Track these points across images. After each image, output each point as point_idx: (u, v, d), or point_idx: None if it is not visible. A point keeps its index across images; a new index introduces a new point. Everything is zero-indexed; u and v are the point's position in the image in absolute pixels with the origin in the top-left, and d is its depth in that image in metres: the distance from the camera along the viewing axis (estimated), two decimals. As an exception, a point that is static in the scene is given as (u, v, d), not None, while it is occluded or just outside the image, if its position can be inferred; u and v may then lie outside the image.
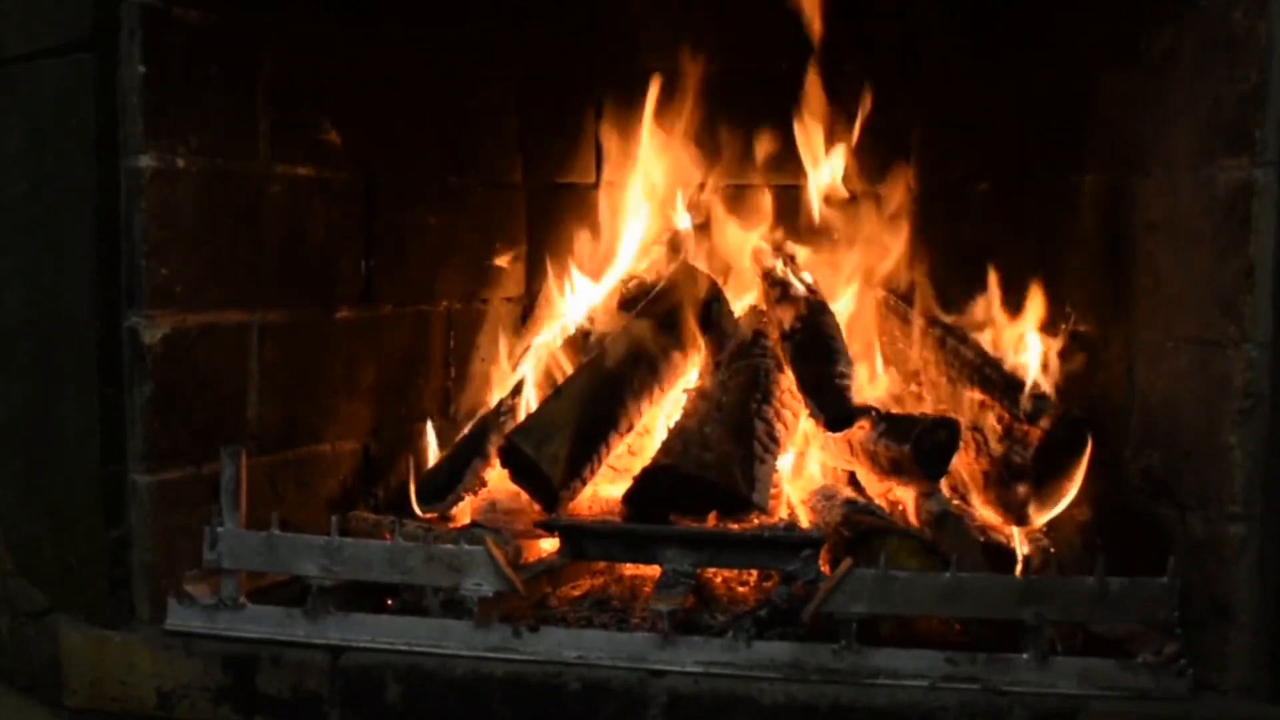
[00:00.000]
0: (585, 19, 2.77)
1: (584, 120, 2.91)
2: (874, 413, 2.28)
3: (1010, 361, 2.29)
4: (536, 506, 2.26)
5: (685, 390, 2.47)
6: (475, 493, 2.34)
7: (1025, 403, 2.18)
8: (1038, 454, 2.15)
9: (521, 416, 2.38)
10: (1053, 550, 2.13)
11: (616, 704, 1.78)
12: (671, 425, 2.35)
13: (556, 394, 2.36)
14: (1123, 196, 2.05)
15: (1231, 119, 1.75)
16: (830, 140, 2.66)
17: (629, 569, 2.16)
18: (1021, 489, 2.16)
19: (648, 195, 2.80)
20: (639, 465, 2.29)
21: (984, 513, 2.27)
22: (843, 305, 2.63)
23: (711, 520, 2.14)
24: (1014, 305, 2.34)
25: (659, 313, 2.49)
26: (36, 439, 2.10)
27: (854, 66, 2.63)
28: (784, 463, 2.41)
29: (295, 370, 2.23)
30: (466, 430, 2.48)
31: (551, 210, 2.88)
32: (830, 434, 2.34)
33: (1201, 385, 1.81)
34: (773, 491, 2.27)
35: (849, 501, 2.22)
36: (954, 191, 2.71)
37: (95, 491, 1.97)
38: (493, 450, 2.32)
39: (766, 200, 2.80)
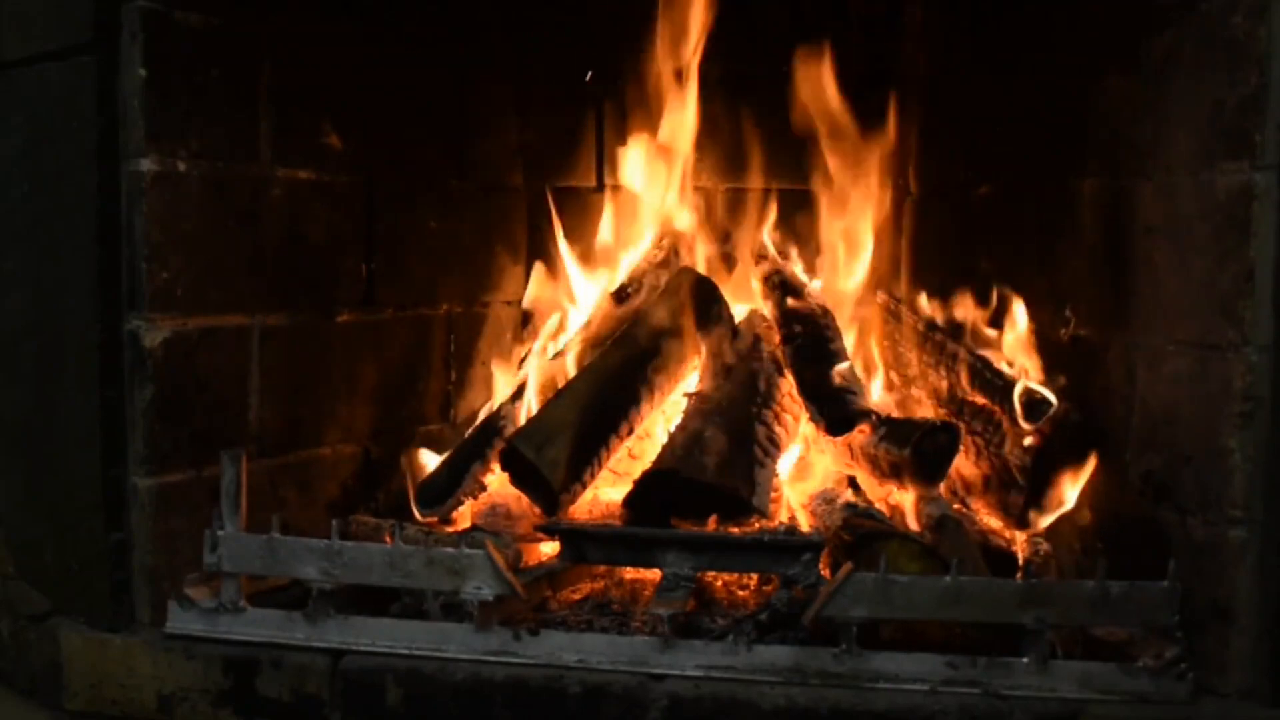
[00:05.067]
0: (586, 22, 2.78)
1: (584, 123, 2.91)
2: (874, 417, 2.28)
3: (1010, 365, 2.29)
4: (537, 510, 2.26)
5: (685, 394, 2.47)
6: (475, 497, 2.34)
7: (1025, 406, 2.18)
8: (1038, 458, 2.15)
9: (522, 420, 2.38)
10: (1053, 554, 2.13)
11: (617, 707, 1.78)
12: (672, 429, 2.35)
13: (557, 398, 2.36)
14: (1123, 200, 2.05)
15: (1231, 122, 1.75)
16: (832, 143, 2.66)
17: (629, 572, 2.16)
18: (1021, 493, 2.16)
19: (647, 198, 2.80)
20: (639, 469, 2.29)
21: (984, 516, 2.27)
22: (843, 309, 2.63)
23: (712, 524, 2.14)
24: (1014, 309, 2.35)
25: (659, 316, 2.49)
26: (38, 441, 2.10)
27: (856, 69, 2.63)
28: (784, 466, 2.41)
29: (296, 373, 2.23)
30: (467, 434, 2.48)
31: (552, 213, 2.88)
32: (831, 438, 2.34)
33: (1202, 389, 1.81)
34: (773, 495, 2.27)
35: (849, 505, 2.22)
36: (954, 194, 2.72)
37: (96, 494, 1.98)
38: (493, 454, 2.32)
39: (767, 203, 2.81)
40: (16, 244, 2.11)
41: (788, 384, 2.38)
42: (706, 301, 2.55)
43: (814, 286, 2.60)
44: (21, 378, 2.12)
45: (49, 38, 2.01)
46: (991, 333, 2.39)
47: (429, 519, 2.28)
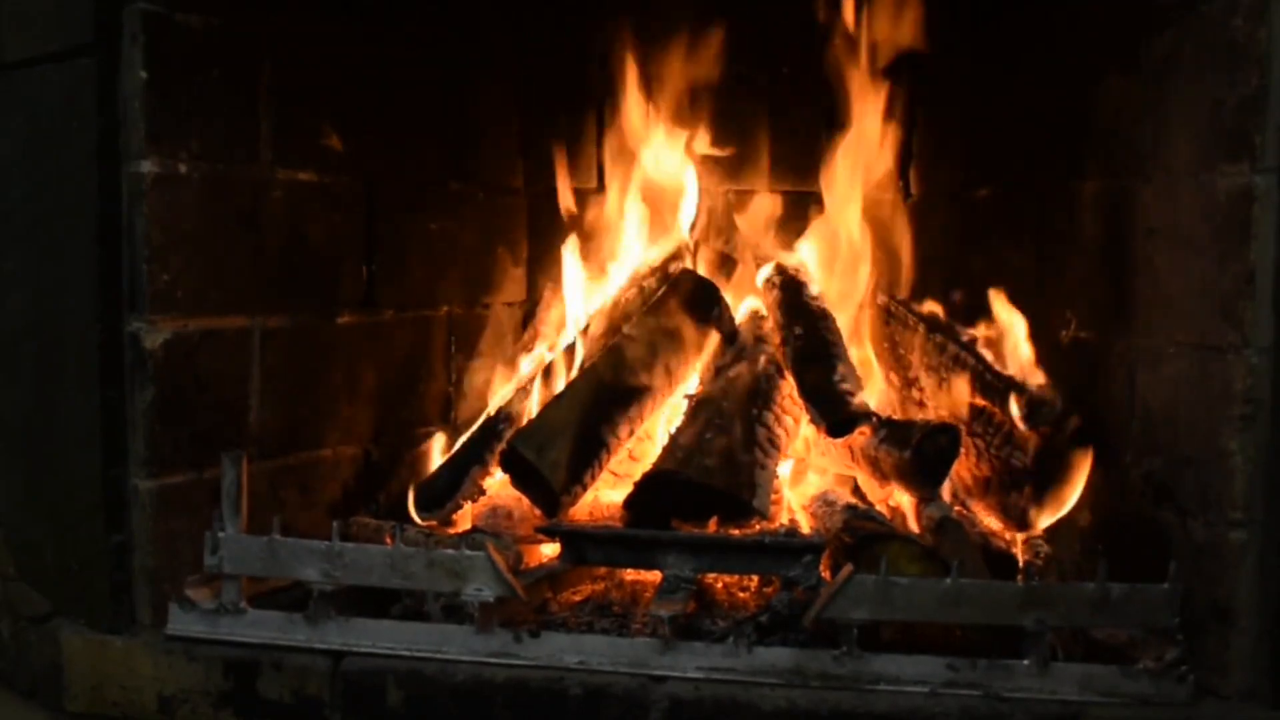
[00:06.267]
0: (587, 23, 2.78)
1: (586, 125, 2.91)
2: (875, 418, 2.28)
3: (1011, 367, 2.29)
4: (537, 512, 2.26)
5: (686, 396, 2.47)
6: (474, 500, 2.34)
7: (1025, 408, 2.18)
8: (1038, 459, 2.15)
9: (522, 422, 2.38)
10: (1053, 556, 2.13)
11: (618, 709, 1.78)
12: (672, 431, 2.35)
13: (557, 400, 2.36)
14: (1123, 202, 2.05)
15: (1231, 124, 1.76)
16: (832, 145, 2.66)
17: (630, 574, 2.16)
18: (1022, 495, 2.16)
19: (649, 200, 2.80)
20: (640, 471, 2.29)
21: (985, 518, 2.27)
22: (844, 310, 2.63)
23: (712, 526, 2.14)
24: (1015, 310, 2.34)
25: (660, 318, 2.49)
26: (38, 443, 2.10)
27: (856, 70, 2.63)
28: (785, 468, 2.41)
29: (296, 375, 2.23)
30: (467, 436, 2.47)
31: (553, 215, 2.88)
32: (831, 440, 2.34)
33: (1202, 391, 1.81)
34: (774, 497, 2.27)
35: (850, 507, 2.22)
36: (955, 197, 2.71)
37: (97, 496, 1.97)
38: (493, 456, 2.32)
39: (768, 205, 2.81)
40: (16, 244, 2.12)
41: (788, 385, 2.38)
42: (707, 303, 2.55)
43: (814, 288, 2.60)
44: (22, 378, 2.12)
45: (50, 39, 2.01)
46: (992, 334, 2.39)
47: (429, 521, 2.28)
